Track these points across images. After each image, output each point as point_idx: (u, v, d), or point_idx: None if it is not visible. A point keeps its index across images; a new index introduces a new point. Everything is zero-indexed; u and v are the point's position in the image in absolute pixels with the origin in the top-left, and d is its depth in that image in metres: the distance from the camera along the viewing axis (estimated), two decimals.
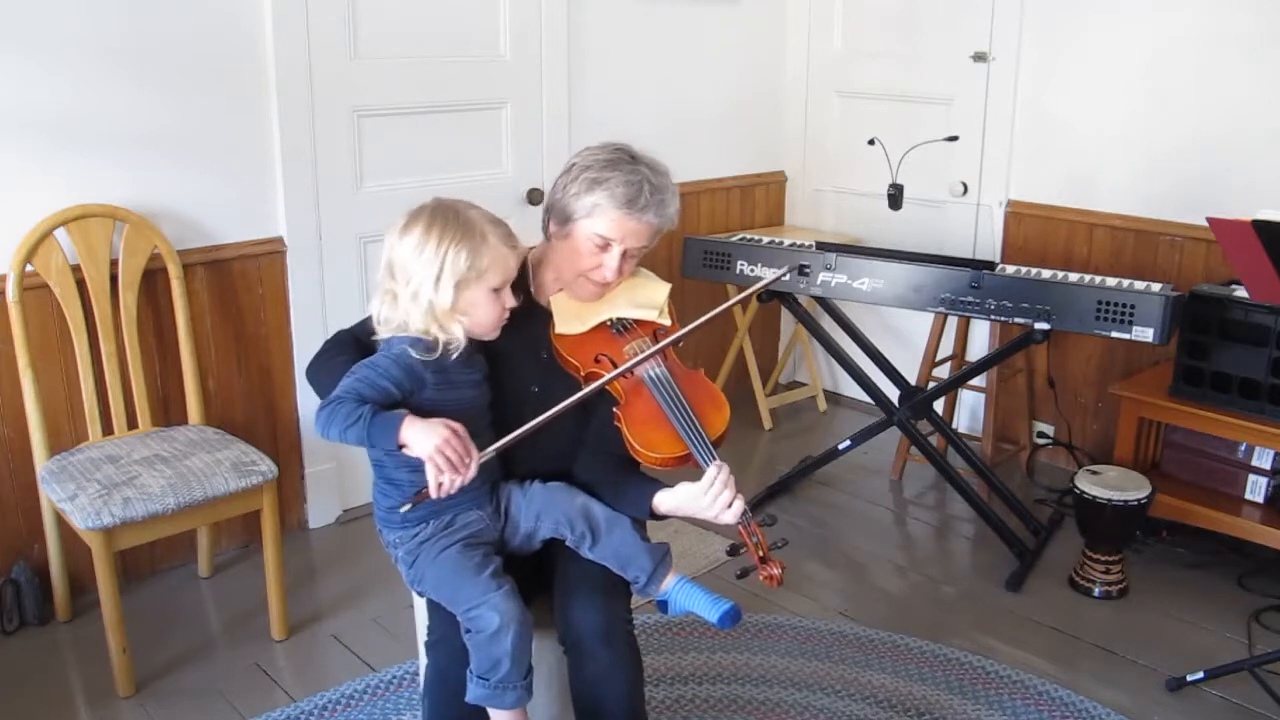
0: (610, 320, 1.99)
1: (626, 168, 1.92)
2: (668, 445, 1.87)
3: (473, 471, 1.76)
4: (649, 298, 2.02)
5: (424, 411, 1.77)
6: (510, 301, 1.83)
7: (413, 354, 1.78)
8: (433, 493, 1.74)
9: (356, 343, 1.94)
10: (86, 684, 2.62)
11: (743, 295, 2.09)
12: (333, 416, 1.74)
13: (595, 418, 1.96)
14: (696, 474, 1.85)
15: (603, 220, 1.91)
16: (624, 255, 1.94)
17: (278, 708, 2.54)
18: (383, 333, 1.82)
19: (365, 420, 1.72)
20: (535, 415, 1.85)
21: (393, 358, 1.78)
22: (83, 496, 2.47)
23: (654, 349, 1.91)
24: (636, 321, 2.01)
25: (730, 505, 1.83)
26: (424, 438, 1.72)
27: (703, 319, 1.93)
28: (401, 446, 1.73)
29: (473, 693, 1.79)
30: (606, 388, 1.91)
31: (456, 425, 1.75)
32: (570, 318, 1.97)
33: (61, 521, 2.71)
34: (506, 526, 1.93)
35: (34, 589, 2.81)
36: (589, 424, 1.98)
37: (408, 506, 1.81)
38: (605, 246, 1.93)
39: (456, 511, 1.86)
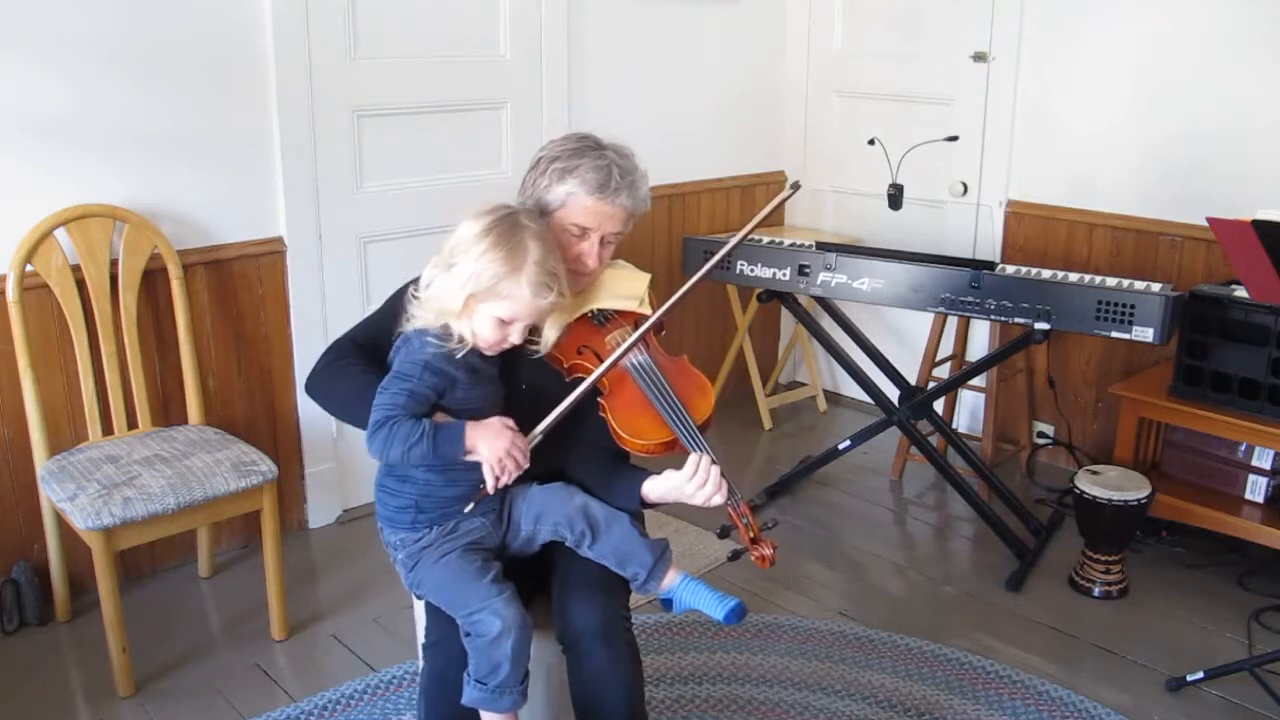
0: (591, 312, 2.00)
1: (593, 154, 1.93)
2: (653, 431, 1.87)
3: (526, 462, 1.80)
4: (629, 289, 2.03)
5: (456, 411, 1.80)
6: (514, 338, 1.81)
7: (436, 348, 1.78)
8: (490, 489, 1.79)
9: (359, 348, 1.93)
10: (86, 684, 2.62)
11: (709, 264, 2.03)
12: (391, 437, 1.74)
13: (584, 414, 1.97)
14: (685, 460, 1.86)
15: (577, 208, 1.92)
16: (601, 242, 1.95)
17: (278, 708, 2.54)
18: (420, 295, 1.81)
19: (429, 436, 1.74)
20: (527, 412, 1.85)
21: (422, 364, 1.78)
22: (83, 496, 2.47)
23: (637, 334, 1.90)
24: (618, 312, 2.02)
25: (715, 492, 1.84)
26: (491, 443, 1.76)
27: (676, 296, 1.92)
28: (468, 454, 1.76)
29: (469, 695, 1.79)
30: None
31: (510, 422, 1.80)
32: None
33: (61, 521, 2.71)
34: (508, 531, 1.93)
35: (34, 589, 2.81)
36: (579, 421, 1.98)
37: (471, 507, 1.83)
38: (582, 235, 1.94)
39: (460, 519, 1.86)
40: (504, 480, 1.79)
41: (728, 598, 1.84)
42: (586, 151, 1.94)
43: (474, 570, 1.82)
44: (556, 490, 1.94)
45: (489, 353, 1.84)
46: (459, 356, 1.80)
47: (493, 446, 1.76)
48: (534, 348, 1.89)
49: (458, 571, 1.82)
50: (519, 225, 1.79)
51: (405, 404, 1.76)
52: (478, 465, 1.80)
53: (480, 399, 1.83)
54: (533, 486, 1.95)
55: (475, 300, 1.77)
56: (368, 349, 1.92)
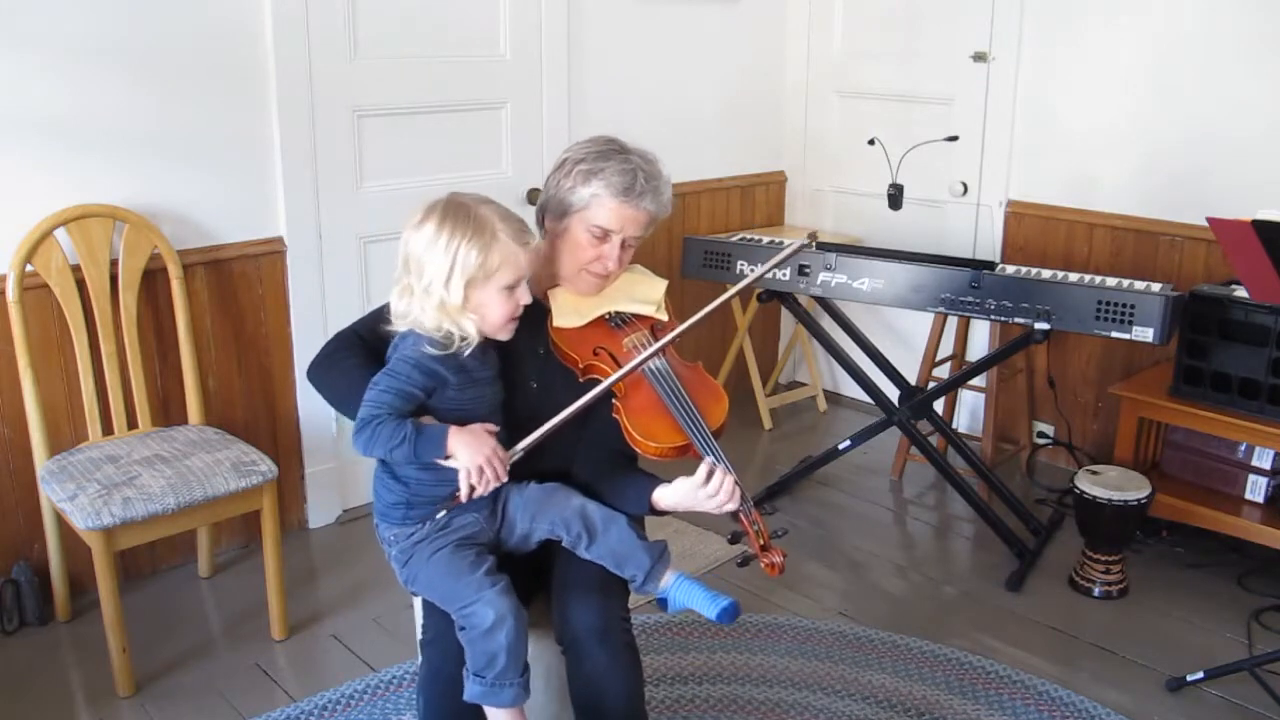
0: (608, 314, 2.00)
1: (619, 158, 1.95)
2: (667, 435, 1.87)
3: (505, 475, 1.80)
4: (646, 293, 2.04)
5: (446, 411, 1.80)
6: (525, 299, 1.82)
7: (431, 352, 1.78)
8: (464, 498, 1.79)
9: (360, 341, 1.94)
10: (86, 684, 2.62)
11: (743, 284, 2.08)
12: (375, 438, 1.76)
13: (594, 415, 1.97)
14: (696, 465, 1.85)
15: (600, 210, 1.93)
16: (622, 245, 1.96)
17: (278, 708, 2.54)
18: (399, 326, 1.82)
19: (410, 440, 1.75)
20: (534, 411, 1.85)
21: (413, 362, 1.78)
22: (83, 496, 2.47)
23: (657, 345, 1.91)
24: (635, 315, 2.02)
25: (729, 499, 1.83)
26: (471, 450, 1.76)
27: (702, 313, 1.93)
28: (448, 457, 1.76)
29: (470, 691, 1.79)
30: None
31: (493, 428, 1.80)
32: (569, 312, 1.98)
33: (61, 521, 2.71)
34: (503, 527, 1.92)
35: (34, 589, 2.81)
36: (588, 422, 1.98)
37: (443, 513, 1.84)
38: (604, 237, 1.95)
39: (453, 514, 1.86)
40: (479, 490, 1.78)
41: (721, 597, 1.84)
42: (612, 155, 1.95)
43: (467, 565, 1.82)
44: (554, 490, 1.94)
45: (504, 334, 1.83)
46: (458, 356, 1.80)
47: (472, 453, 1.76)
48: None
49: (450, 565, 1.82)
50: (462, 204, 1.79)
51: (391, 403, 1.77)
52: None
53: (472, 401, 1.83)
54: (530, 484, 1.94)
55: (474, 286, 1.76)
56: (369, 342, 1.93)
